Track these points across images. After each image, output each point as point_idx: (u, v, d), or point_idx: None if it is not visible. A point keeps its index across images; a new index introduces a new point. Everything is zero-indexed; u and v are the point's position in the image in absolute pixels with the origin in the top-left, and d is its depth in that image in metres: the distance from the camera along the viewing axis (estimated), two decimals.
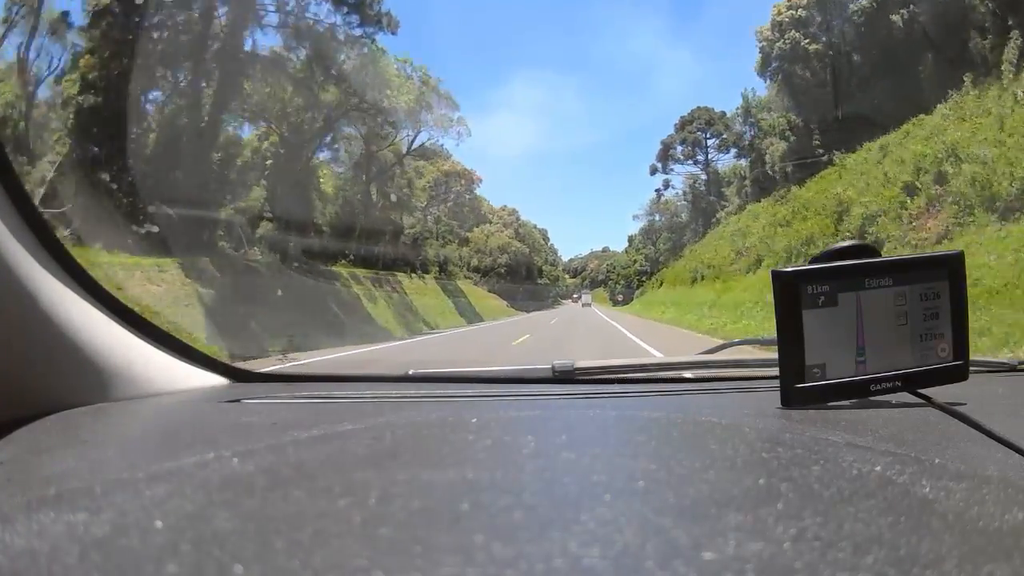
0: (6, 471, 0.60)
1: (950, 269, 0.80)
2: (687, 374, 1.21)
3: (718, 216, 32.91)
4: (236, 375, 1.16)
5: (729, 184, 33.84)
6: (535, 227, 48.99)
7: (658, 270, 39.53)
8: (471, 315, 29.07)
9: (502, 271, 41.02)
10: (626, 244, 48.90)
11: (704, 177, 37.11)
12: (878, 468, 0.45)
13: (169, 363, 1.03)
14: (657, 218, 42.32)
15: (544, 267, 49.82)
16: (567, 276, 58.47)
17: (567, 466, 0.46)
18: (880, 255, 0.81)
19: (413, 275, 27.02)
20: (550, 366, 1.14)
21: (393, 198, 25.06)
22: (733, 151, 35.85)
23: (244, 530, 0.33)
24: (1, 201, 0.78)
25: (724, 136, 35.67)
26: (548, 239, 52.94)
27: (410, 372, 1.23)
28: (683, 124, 37.36)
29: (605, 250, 57.83)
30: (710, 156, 37.00)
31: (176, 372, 1.04)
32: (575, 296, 53.73)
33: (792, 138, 24.56)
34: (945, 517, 0.36)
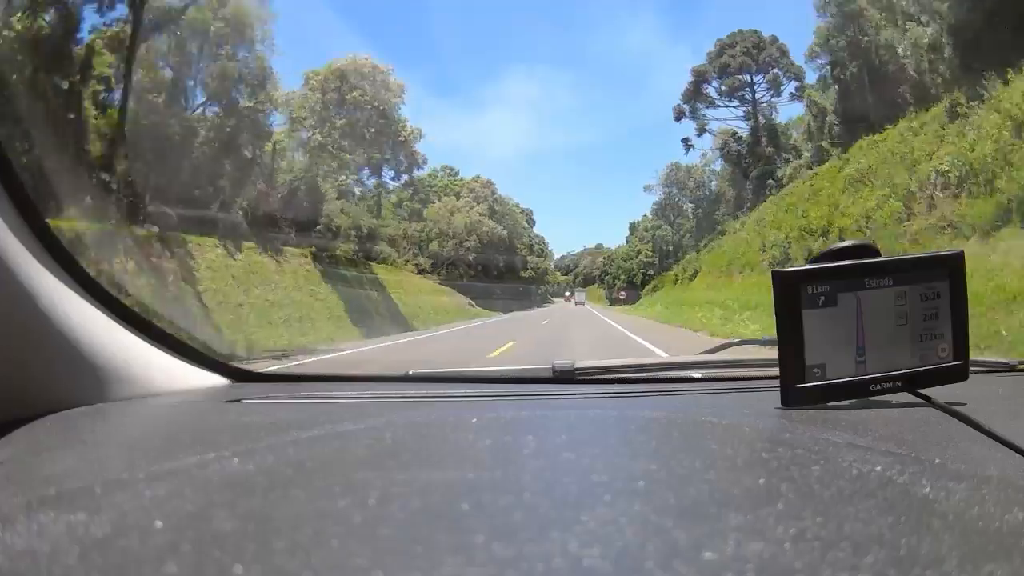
0: (6, 471, 0.60)
1: (950, 269, 0.80)
2: (687, 374, 1.22)
3: (780, 173, 23.99)
4: (236, 375, 1.16)
5: (785, 132, 25.47)
6: (517, 207, 37.55)
7: (680, 257, 30.94)
8: (387, 321, 17.52)
9: (470, 259, 31.07)
10: (627, 234, 39.16)
11: (749, 125, 27.18)
12: (878, 468, 0.44)
13: (169, 363, 1.03)
14: (674, 191, 33.14)
15: (529, 258, 39.18)
16: (559, 273, 50.32)
17: (567, 466, 0.46)
18: (880, 255, 0.81)
19: (241, 245, 14.27)
20: (550, 366, 1.14)
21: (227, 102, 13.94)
22: (791, 88, 25.68)
23: (244, 530, 0.33)
24: (1, 201, 0.78)
25: (782, 64, 25.55)
26: (533, 222, 41.13)
27: (410, 372, 1.23)
28: (721, 49, 26.79)
29: (599, 247, 49.76)
30: (758, 96, 26.82)
31: (176, 372, 1.04)
32: (567, 294, 47.21)
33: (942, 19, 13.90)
34: (945, 517, 0.36)
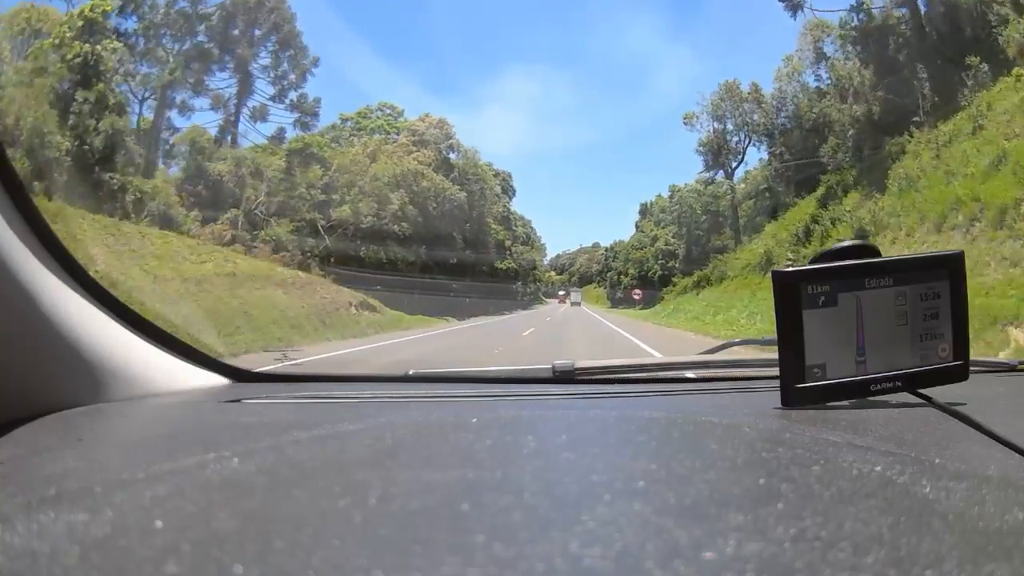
0: (6, 471, 0.60)
1: (950, 269, 0.80)
2: (687, 374, 1.22)
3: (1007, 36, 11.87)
4: (236, 375, 1.16)
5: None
6: (489, 167, 25.89)
7: (752, 229, 19.89)
8: None
9: (397, 232, 18.85)
10: (636, 218, 29.18)
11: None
12: (878, 468, 0.45)
13: (169, 363, 1.03)
14: (730, 126, 20.95)
15: (510, 245, 27.16)
16: (553, 273, 44.82)
17: (567, 466, 0.46)
18: (881, 255, 0.81)
19: None
20: (550, 366, 1.14)
21: None
22: None
23: (244, 530, 0.33)
24: (1, 201, 0.78)
25: None
26: (512, 190, 28.58)
27: (410, 372, 1.23)
28: None
29: (595, 246, 44.01)
30: None
31: (176, 372, 1.04)
32: (561, 293, 40.76)
33: None
34: (945, 517, 0.36)
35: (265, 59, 18.33)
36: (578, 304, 35.15)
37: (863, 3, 16.81)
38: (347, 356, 9.39)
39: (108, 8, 14.69)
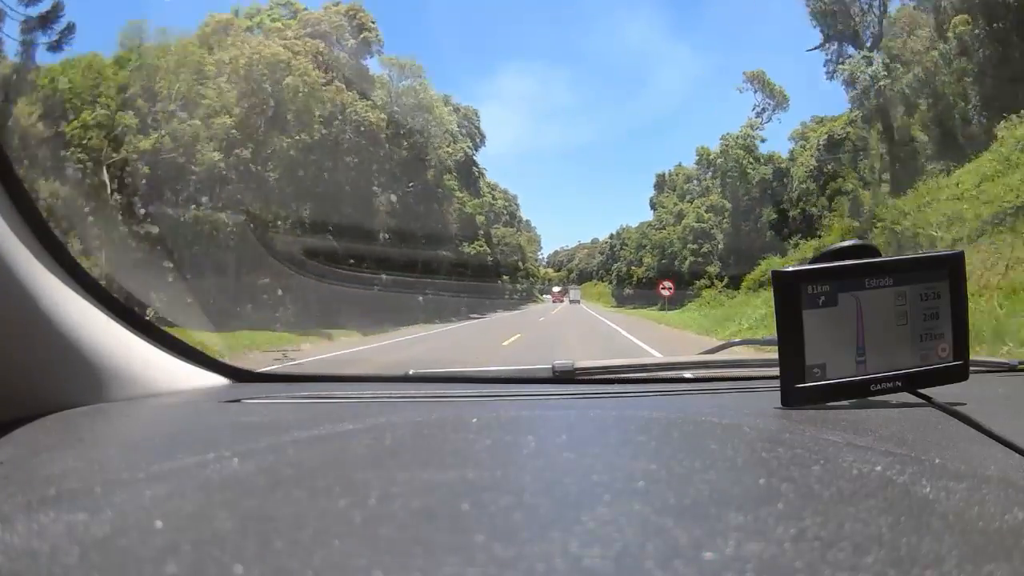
0: (6, 471, 0.60)
1: (950, 269, 0.80)
2: (687, 374, 1.22)
3: None
4: (236, 375, 1.16)
5: None
6: (445, 98, 18.53)
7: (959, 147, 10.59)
8: None
9: (228, 171, 9.88)
10: (651, 193, 21.97)
11: None
12: (878, 468, 0.45)
13: (170, 363, 1.03)
14: None
15: (484, 223, 20.20)
16: (550, 270, 41.60)
17: (567, 466, 0.46)
18: (880, 255, 0.81)
19: None
20: (550, 366, 1.14)
21: None
22: None
23: (244, 530, 0.33)
24: (1, 201, 0.78)
25: None
26: (481, 137, 21.07)
27: (410, 372, 1.23)
28: None
29: (594, 242, 40.60)
30: None
31: (177, 372, 1.04)
32: (556, 290, 37.51)
33: None
34: (945, 517, 0.36)
35: None
36: (577, 302, 31.97)
37: None
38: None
39: None
